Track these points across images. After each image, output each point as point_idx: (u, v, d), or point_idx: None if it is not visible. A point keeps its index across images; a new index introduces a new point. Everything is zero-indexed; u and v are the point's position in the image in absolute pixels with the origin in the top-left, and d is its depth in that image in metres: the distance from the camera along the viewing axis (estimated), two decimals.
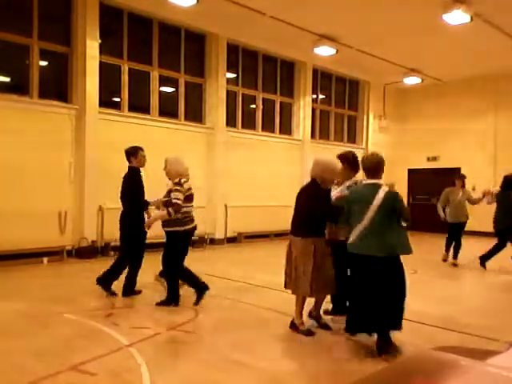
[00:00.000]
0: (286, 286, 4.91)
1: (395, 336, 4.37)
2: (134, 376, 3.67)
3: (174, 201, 5.36)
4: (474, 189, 14.82)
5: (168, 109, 11.19)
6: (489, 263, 8.64)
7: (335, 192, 4.99)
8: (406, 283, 4.32)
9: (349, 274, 4.52)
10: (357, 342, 4.50)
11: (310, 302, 4.98)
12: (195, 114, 11.72)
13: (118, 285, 6.05)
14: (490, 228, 9.03)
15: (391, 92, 16.63)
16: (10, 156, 8.43)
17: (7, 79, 9.38)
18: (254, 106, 13.18)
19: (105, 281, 6.01)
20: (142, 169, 6.20)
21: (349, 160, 5.18)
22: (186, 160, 5.92)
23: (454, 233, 9.38)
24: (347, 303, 4.61)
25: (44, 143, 8.86)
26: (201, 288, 5.71)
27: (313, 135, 14.44)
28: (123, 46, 10.32)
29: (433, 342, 4.32)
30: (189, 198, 5.62)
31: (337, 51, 12.09)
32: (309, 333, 4.69)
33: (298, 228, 4.82)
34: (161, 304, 5.62)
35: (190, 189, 5.66)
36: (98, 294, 6.12)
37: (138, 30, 10.73)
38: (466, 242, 9.63)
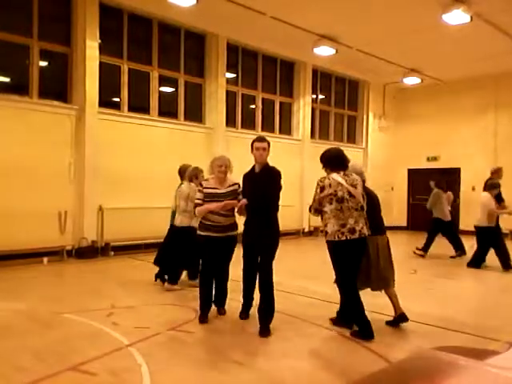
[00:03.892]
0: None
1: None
2: (134, 376, 3.67)
3: None
4: (473, 189, 14.90)
5: (168, 109, 11.19)
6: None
7: None
8: None
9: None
10: (358, 342, 4.51)
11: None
12: (195, 114, 11.72)
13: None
14: None
15: (391, 92, 16.63)
16: (10, 156, 8.42)
17: (7, 79, 9.37)
18: (253, 106, 13.18)
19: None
20: None
21: None
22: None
23: None
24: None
25: (44, 143, 8.86)
26: None
27: (312, 135, 14.44)
28: (123, 46, 10.32)
29: (433, 342, 4.33)
30: None
31: (337, 51, 12.09)
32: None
33: None
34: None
35: None
36: (97, 294, 6.12)
37: (138, 30, 10.73)
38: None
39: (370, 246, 4.81)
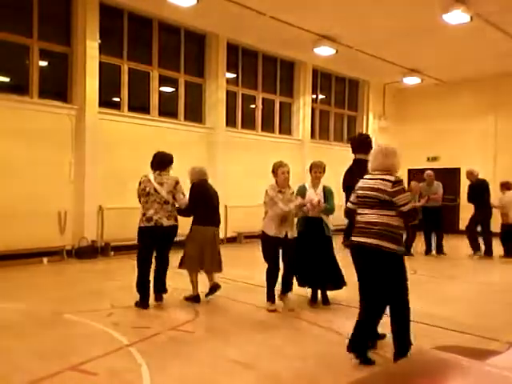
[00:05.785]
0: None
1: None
2: (134, 376, 3.68)
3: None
4: None
5: (168, 109, 11.20)
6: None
7: None
8: None
9: None
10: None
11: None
12: (195, 114, 11.73)
13: None
14: None
15: (391, 92, 16.63)
16: (10, 156, 8.43)
17: (7, 79, 9.38)
18: (253, 106, 13.19)
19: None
20: None
21: None
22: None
23: None
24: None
25: (44, 143, 8.86)
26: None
27: (312, 135, 14.45)
28: (123, 46, 10.33)
29: (433, 342, 4.32)
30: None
31: (337, 51, 12.09)
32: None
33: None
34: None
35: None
36: (97, 294, 6.12)
37: (138, 30, 10.73)
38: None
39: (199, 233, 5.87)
